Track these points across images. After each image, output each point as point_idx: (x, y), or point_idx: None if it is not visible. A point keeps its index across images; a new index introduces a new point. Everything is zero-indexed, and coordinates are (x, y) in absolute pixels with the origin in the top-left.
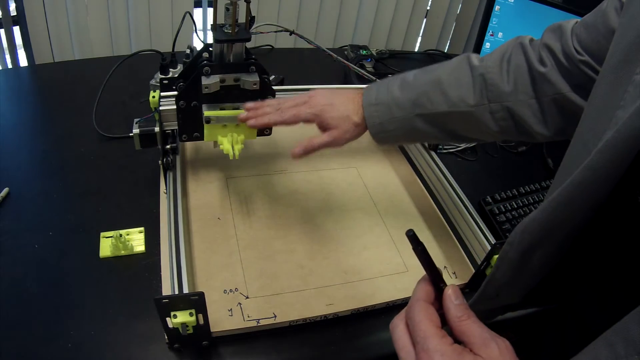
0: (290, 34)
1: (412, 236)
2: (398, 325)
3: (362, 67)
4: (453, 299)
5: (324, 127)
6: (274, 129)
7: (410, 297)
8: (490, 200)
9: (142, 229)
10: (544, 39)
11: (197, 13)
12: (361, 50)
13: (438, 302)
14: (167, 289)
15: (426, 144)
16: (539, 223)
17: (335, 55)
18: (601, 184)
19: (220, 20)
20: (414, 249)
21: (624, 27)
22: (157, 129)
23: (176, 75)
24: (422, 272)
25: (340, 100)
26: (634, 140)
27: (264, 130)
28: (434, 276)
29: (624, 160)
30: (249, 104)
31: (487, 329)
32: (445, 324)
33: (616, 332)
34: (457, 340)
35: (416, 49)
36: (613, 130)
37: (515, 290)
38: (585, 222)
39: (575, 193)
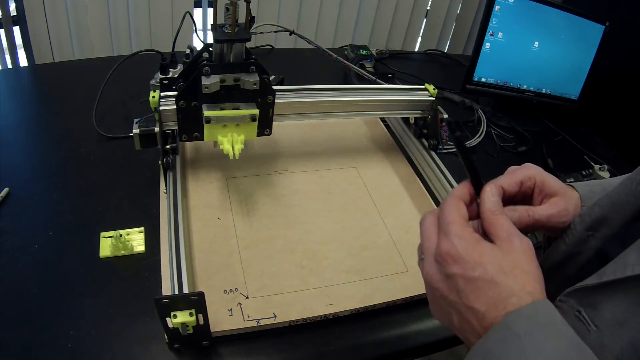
0: (290, 34)
1: (450, 123)
2: (428, 218)
3: (362, 67)
4: (491, 195)
5: None
6: (274, 129)
7: (411, 296)
8: None
9: (142, 229)
10: None
11: (197, 13)
12: (361, 50)
13: (476, 207)
14: (167, 289)
15: (426, 144)
16: (609, 197)
17: (335, 55)
18: None
19: (220, 20)
20: (452, 136)
21: None
22: (157, 129)
23: (176, 75)
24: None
25: None
26: None
27: (264, 130)
28: (473, 174)
29: None
30: None
31: (515, 227)
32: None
33: None
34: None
35: (416, 49)
36: None
37: (563, 273)
38: None
39: None
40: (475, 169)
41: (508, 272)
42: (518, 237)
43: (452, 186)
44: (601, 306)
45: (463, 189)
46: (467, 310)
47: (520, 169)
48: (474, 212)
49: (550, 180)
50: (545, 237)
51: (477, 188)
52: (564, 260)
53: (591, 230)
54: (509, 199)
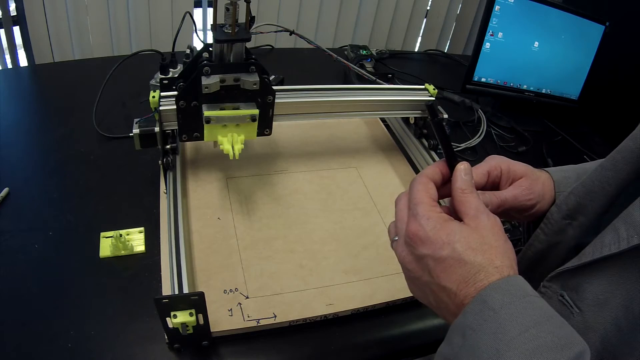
0: (290, 34)
1: (430, 106)
2: (401, 199)
3: (362, 67)
4: (462, 174)
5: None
6: (274, 129)
7: (411, 296)
8: None
9: (142, 229)
10: None
11: (197, 13)
12: (361, 50)
13: (450, 186)
14: (167, 289)
15: (426, 144)
16: (583, 185)
17: (335, 55)
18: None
19: (220, 20)
20: (431, 120)
21: None
22: (157, 129)
23: (176, 75)
24: None
25: None
26: None
27: (264, 130)
28: (448, 151)
29: None
30: None
31: (484, 205)
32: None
33: (621, 218)
34: (455, 217)
35: (416, 49)
36: None
37: (545, 265)
38: (623, 190)
39: (617, 157)
40: (452, 150)
41: (476, 249)
42: (486, 214)
43: None
44: (582, 288)
45: (434, 169)
46: (440, 290)
47: (486, 160)
48: (448, 191)
49: (516, 166)
50: (524, 228)
51: (452, 168)
52: (545, 252)
53: (568, 219)
54: (479, 190)
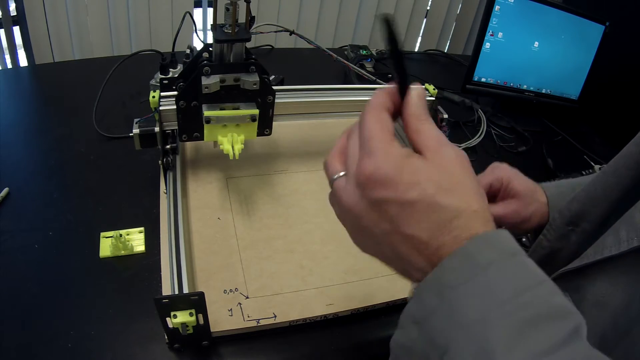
0: (290, 34)
1: (385, 20)
2: (354, 132)
3: (362, 67)
4: (417, 99)
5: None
6: (274, 129)
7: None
8: None
9: (142, 229)
10: None
11: (197, 13)
12: (361, 50)
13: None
14: (167, 289)
15: None
16: (586, 192)
17: (335, 55)
18: None
19: (220, 20)
20: (387, 36)
21: None
22: (157, 129)
23: (176, 75)
24: None
25: None
26: None
27: (264, 130)
28: (400, 72)
29: None
30: None
31: (444, 136)
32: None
33: (623, 220)
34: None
35: (416, 49)
36: None
37: (547, 272)
38: (624, 199)
39: (620, 163)
40: (405, 71)
41: (449, 189)
42: (451, 147)
43: None
44: (584, 289)
45: (384, 97)
46: (403, 240)
47: (491, 170)
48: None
49: (516, 183)
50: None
51: (404, 94)
52: (548, 258)
53: (571, 225)
54: None
